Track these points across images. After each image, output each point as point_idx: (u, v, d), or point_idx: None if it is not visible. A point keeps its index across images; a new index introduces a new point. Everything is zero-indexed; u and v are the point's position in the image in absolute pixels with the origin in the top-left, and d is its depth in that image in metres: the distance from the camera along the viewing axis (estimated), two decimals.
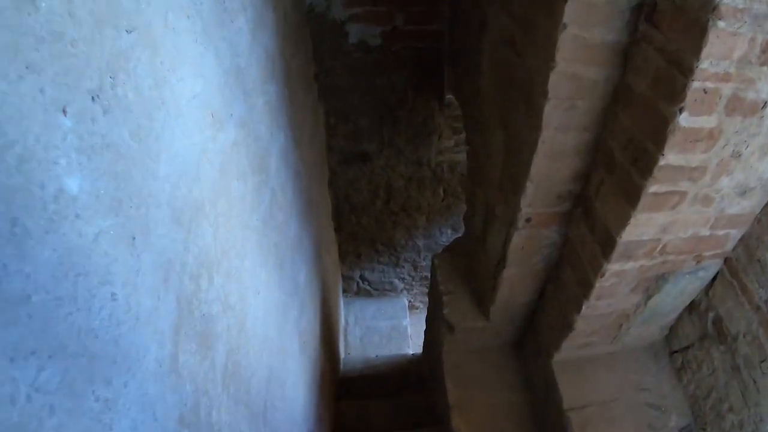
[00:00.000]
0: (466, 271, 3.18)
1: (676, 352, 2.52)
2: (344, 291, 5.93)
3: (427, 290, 6.08)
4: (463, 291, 3.11)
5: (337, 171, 4.54)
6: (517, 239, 2.38)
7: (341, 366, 5.01)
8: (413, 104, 4.14)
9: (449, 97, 4.00)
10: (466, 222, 3.33)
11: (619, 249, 1.89)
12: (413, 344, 5.94)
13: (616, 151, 1.78)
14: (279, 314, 2.22)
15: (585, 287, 2.18)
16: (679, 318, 2.45)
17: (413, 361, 5.08)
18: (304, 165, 2.97)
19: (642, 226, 1.79)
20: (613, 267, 1.98)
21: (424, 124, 4.29)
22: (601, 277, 2.03)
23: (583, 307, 2.23)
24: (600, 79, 1.70)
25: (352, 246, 5.34)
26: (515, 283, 2.69)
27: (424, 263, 5.68)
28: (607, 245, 1.93)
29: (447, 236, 5.35)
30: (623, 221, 1.78)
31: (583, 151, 1.94)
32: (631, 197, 1.72)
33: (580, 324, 2.35)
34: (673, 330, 2.54)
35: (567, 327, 2.42)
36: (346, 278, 5.76)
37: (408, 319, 5.99)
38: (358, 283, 5.84)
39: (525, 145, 2.00)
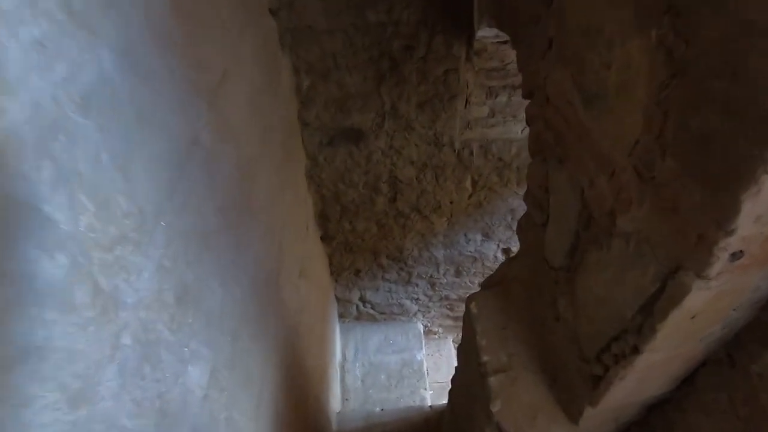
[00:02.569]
0: (530, 326, 1.77)
1: None
2: (341, 316, 4.55)
3: (448, 312, 4.67)
4: (527, 363, 1.71)
5: (317, 158, 3.14)
6: (695, 298, 0.97)
7: (333, 427, 3.63)
8: (427, 52, 2.72)
9: (483, 35, 2.57)
10: (523, 234, 1.92)
11: None
12: (431, 383, 4.55)
13: None
14: None
15: None
16: None
17: (432, 420, 3.67)
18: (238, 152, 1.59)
19: None
20: None
21: (445, 83, 2.87)
22: None
23: None
24: None
25: (348, 260, 3.94)
26: (651, 372, 1.28)
27: (445, 279, 4.27)
28: None
29: (476, 245, 3.93)
30: None
31: None
32: None
33: None
34: None
35: None
36: (342, 301, 4.37)
37: (423, 350, 4.59)
38: (357, 307, 4.45)
39: None
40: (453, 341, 5.21)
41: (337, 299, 4.33)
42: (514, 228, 3.81)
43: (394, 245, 3.84)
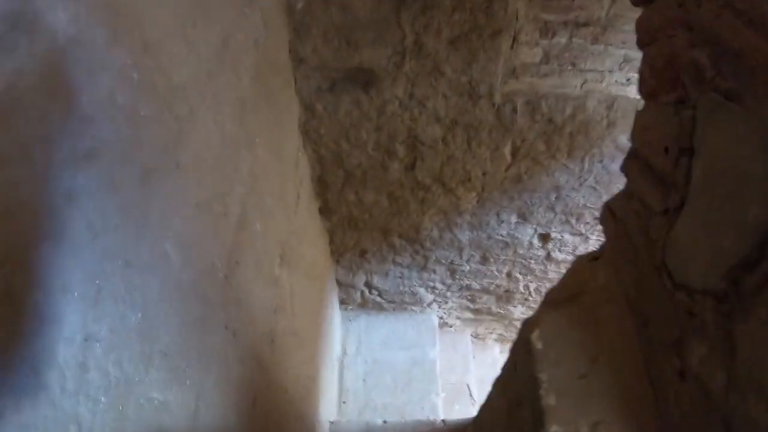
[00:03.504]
0: (630, 379, 1.07)
1: None
2: (342, 302, 3.88)
3: (468, 304, 3.99)
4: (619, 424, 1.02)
5: (314, 107, 2.42)
6: None
7: None
8: None
9: None
10: (616, 225, 1.21)
11: None
12: (443, 383, 3.90)
13: None
14: None
15: None
16: None
17: None
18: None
19: None
20: None
21: (487, 12, 2.13)
22: None
23: None
24: None
25: (352, 238, 3.26)
26: None
27: (468, 267, 3.57)
28: None
29: (509, 227, 3.21)
30: None
31: None
32: None
33: None
34: None
35: None
36: (344, 286, 3.70)
37: (437, 347, 3.92)
38: (362, 293, 3.78)
39: None
40: (471, 335, 4.55)
41: (338, 283, 3.67)
42: (557, 210, 3.09)
43: (410, 223, 3.14)
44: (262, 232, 1.77)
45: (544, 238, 3.37)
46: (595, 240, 3.42)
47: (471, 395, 4.07)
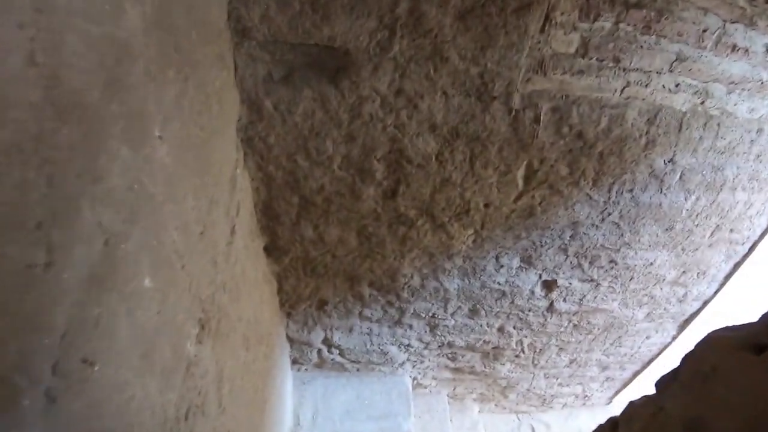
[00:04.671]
0: None
1: None
2: (295, 362, 3.09)
3: (448, 363, 3.28)
4: None
5: (263, 104, 1.69)
6: None
7: None
8: None
9: None
10: None
11: None
12: None
13: None
14: None
15: None
16: None
17: None
18: None
19: None
20: None
21: None
22: None
23: None
24: None
25: (308, 286, 2.50)
26: None
27: (452, 321, 2.86)
28: None
29: (508, 273, 2.54)
30: None
31: None
32: None
33: None
34: None
35: None
36: (297, 343, 2.92)
37: (412, 416, 3.16)
38: (320, 352, 3.00)
39: None
40: (448, 395, 3.81)
41: (289, 340, 2.88)
42: (570, 251, 2.45)
43: (384, 268, 2.42)
44: (158, 292, 1.01)
45: (549, 285, 2.71)
46: (606, 288, 2.80)
47: None
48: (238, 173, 1.72)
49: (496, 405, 4.05)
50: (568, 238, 2.40)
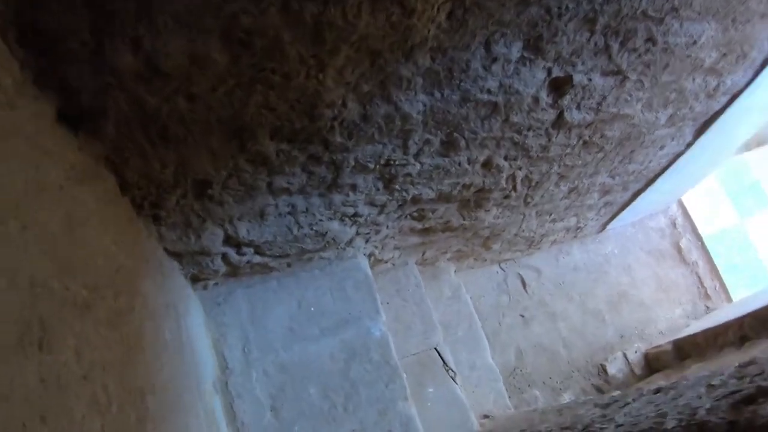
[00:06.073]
0: None
1: None
2: (195, 279, 2.03)
3: (415, 224, 2.35)
4: None
5: None
6: None
7: None
8: None
9: None
10: None
11: None
12: (401, 357, 2.32)
13: None
14: None
15: None
16: None
17: None
18: None
19: None
20: None
21: None
22: None
23: None
24: None
25: (169, 161, 1.36)
26: None
27: (417, 166, 1.85)
28: None
29: (506, 70, 1.48)
30: None
31: None
32: None
33: None
34: None
35: None
36: (188, 256, 1.84)
37: (382, 313, 2.28)
38: (226, 257, 1.95)
39: None
40: (417, 263, 2.94)
41: (174, 255, 1.80)
42: (598, 25, 1.42)
43: (293, 99, 1.29)
44: None
45: (560, 86, 1.71)
46: (633, 83, 1.85)
47: (445, 363, 2.55)
48: None
49: (475, 259, 3.25)
50: (600, 0, 1.34)
